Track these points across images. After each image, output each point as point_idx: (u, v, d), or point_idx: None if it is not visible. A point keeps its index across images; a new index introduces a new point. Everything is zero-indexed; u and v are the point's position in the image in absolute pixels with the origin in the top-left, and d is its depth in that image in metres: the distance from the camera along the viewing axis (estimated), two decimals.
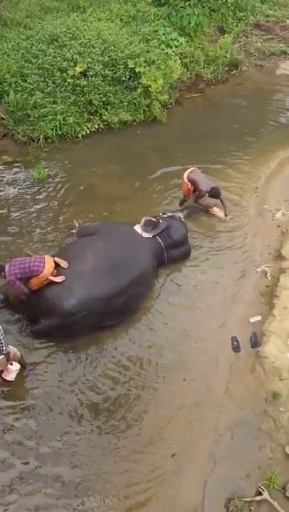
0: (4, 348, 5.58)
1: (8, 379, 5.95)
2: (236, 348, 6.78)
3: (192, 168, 8.54)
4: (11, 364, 5.88)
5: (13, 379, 5.97)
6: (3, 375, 5.97)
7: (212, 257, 8.06)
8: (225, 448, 5.71)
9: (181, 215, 8.24)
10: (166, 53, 11.70)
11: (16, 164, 9.89)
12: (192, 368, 6.56)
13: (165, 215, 8.01)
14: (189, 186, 8.47)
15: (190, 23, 12.31)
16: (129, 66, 10.76)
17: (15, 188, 9.33)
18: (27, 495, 5.29)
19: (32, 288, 6.53)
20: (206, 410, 6.11)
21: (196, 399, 6.23)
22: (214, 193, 8.44)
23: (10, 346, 5.75)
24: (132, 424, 5.98)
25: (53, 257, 6.65)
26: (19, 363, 6.06)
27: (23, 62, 10.59)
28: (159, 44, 11.82)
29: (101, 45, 10.91)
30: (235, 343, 6.82)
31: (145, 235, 7.52)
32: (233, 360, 6.65)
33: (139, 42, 11.53)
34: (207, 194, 8.45)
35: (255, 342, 6.80)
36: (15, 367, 5.93)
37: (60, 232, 8.33)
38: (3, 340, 5.49)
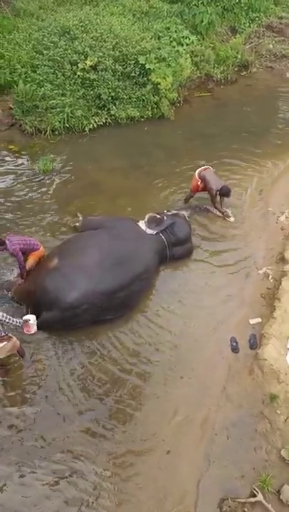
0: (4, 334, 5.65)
1: (32, 332, 6.11)
2: (235, 349, 6.76)
3: (205, 166, 8.52)
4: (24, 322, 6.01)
5: (35, 330, 6.15)
6: (25, 331, 6.10)
7: (215, 257, 8.02)
8: (220, 447, 5.69)
9: (185, 213, 8.23)
10: (177, 51, 11.66)
11: (21, 155, 9.93)
12: (190, 366, 6.53)
13: (169, 213, 7.99)
14: (199, 183, 8.44)
15: (202, 21, 12.29)
16: (140, 62, 10.76)
17: (20, 178, 9.32)
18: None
19: (29, 267, 6.83)
20: (202, 409, 6.08)
21: (193, 397, 6.20)
22: (225, 192, 8.35)
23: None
24: (127, 419, 5.96)
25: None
26: (18, 352, 6.08)
27: (34, 53, 10.62)
28: (171, 41, 11.79)
29: (112, 39, 10.90)
30: (234, 344, 6.80)
31: (149, 231, 7.51)
32: (231, 361, 6.62)
33: (151, 38, 11.51)
34: (218, 194, 8.41)
35: (254, 344, 6.78)
36: (31, 319, 6.05)
37: (63, 224, 8.32)
38: (6, 320, 5.57)
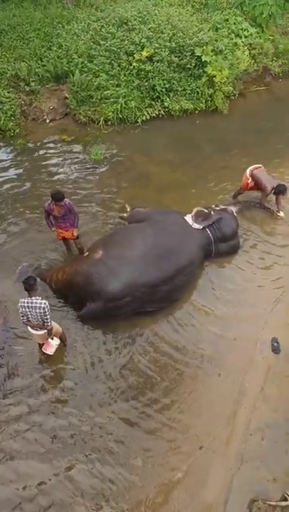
0: (48, 324, 5.74)
1: (48, 352, 6.11)
2: (276, 350, 6.64)
3: (257, 165, 8.34)
4: (52, 339, 6.04)
5: (52, 353, 6.12)
6: (43, 349, 6.14)
7: (261, 256, 7.88)
8: (254, 448, 5.63)
9: (234, 209, 8.11)
10: (235, 43, 11.45)
11: (74, 144, 10.08)
12: (229, 364, 6.49)
13: (217, 208, 7.90)
14: (249, 181, 8.29)
15: (262, 13, 11.93)
16: (196, 54, 10.64)
17: (71, 167, 9.50)
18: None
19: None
20: (238, 408, 6.03)
21: (230, 395, 6.16)
22: (282, 189, 8.15)
23: (53, 322, 5.90)
24: (162, 411, 6.00)
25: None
26: (60, 338, 6.23)
27: (92, 43, 10.72)
28: (229, 33, 11.59)
29: (170, 30, 10.84)
30: (275, 344, 6.68)
31: (195, 225, 7.46)
32: (271, 362, 6.51)
33: (209, 30, 11.35)
34: (273, 191, 8.23)
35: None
36: (55, 341, 6.08)
37: (110, 215, 8.41)
38: (48, 316, 5.64)
